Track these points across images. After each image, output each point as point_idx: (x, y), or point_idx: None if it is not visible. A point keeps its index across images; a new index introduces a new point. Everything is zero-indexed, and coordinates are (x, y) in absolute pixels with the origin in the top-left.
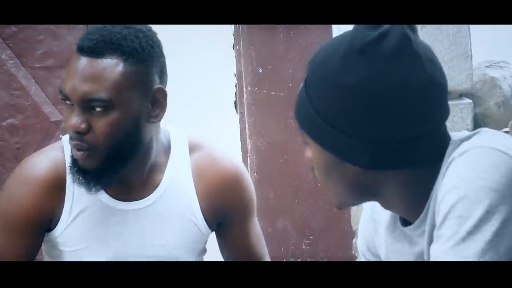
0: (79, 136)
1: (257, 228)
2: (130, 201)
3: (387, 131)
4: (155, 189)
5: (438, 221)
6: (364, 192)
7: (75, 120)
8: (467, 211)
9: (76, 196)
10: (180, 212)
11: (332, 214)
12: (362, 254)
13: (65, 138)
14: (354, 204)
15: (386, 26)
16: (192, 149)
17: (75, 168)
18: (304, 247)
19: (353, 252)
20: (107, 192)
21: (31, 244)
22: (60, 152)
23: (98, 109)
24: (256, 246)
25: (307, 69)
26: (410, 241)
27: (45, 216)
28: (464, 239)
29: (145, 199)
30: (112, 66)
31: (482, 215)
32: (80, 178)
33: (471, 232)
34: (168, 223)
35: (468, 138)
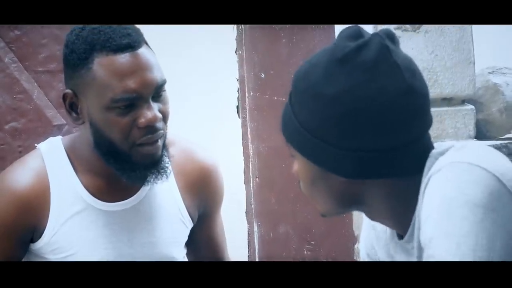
0: (157, 126)
1: (221, 218)
2: (116, 201)
3: (368, 140)
4: (140, 188)
5: (425, 240)
6: (349, 202)
7: (154, 112)
8: (452, 228)
9: (62, 204)
10: (165, 208)
11: (333, 219)
12: (363, 260)
13: (41, 146)
14: (339, 214)
15: (366, 37)
16: (167, 145)
17: (146, 166)
18: (305, 252)
19: (354, 257)
20: (93, 195)
21: (12, 256)
22: (40, 161)
23: (162, 93)
24: (220, 236)
25: (292, 82)
26: (407, 253)
27: (28, 229)
28: (454, 256)
29: (132, 198)
30: (151, 51)
31: (468, 231)
32: (153, 173)
33: (459, 249)
34: (155, 221)
35: (445, 151)
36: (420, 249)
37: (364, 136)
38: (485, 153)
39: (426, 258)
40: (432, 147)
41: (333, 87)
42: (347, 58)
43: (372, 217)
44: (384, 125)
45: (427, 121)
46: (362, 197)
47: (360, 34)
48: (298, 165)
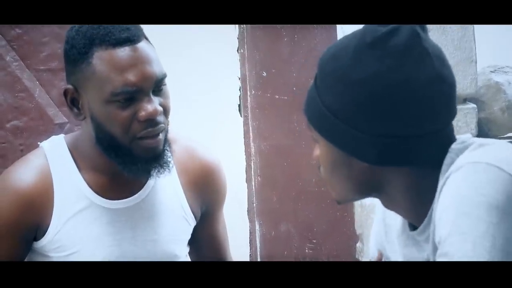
0: (157, 120)
1: (223, 216)
2: (120, 199)
3: (395, 126)
4: (143, 185)
5: (440, 238)
6: (368, 189)
7: (154, 105)
8: (468, 227)
9: (65, 202)
10: (169, 206)
11: (335, 218)
12: (373, 255)
13: (44, 144)
14: (355, 200)
15: None
16: (169, 143)
17: (148, 160)
18: (307, 250)
19: (356, 256)
20: (97, 192)
21: (15, 254)
22: (43, 159)
23: (162, 87)
24: (222, 235)
25: (318, 64)
26: (418, 246)
27: (31, 227)
28: (468, 255)
29: (135, 196)
30: (150, 46)
31: (484, 232)
32: (155, 167)
33: (473, 249)
34: (158, 218)
35: (464, 147)
36: (433, 243)
37: (389, 122)
38: (505, 153)
39: (439, 256)
40: (454, 139)
41: (361, 71)
42: (377, 42)
43: (387, 205)
44: (410, 112)
45: (453, 111)
46: (381, 184)
47: None
48: (319, 149)
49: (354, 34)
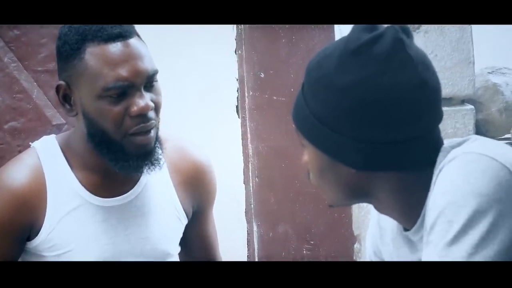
0: (148, 115)
1: (213, 216)
2: (112, 197)
3: (378, 132)
4: (135, 183)
5: (428, 226)
6: (357, 194)
7: (146, 100)
8: (455, 215)
9: (58, 200)
10: (160, 204)
11: (333, 219)
12: (370, 259)
13: (36, 144)
14: (348, 205)
15: (380, 29)
16: (161, 141)
17: (139, 156)
18: (304, 252)
19: (354, 257)
20: (89, 191)
21: (8, 255)
22: (36, 158)
23: (154, 83)
24: (212, 235)
25: (305, 71)
26: (411, 247)
27: (24, 227)
28: (451, 243)
29: (127, 194)
30: (142, 43)
31: (469, 220)
32: (146, 164)
33: (458, 236)
34: (150, 216)
35: (458, 145)
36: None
37: (374, 127)
38: (498, 145)
39: (425, 243)
40: (442, 143)
41: (345, 78)
42: (360, 49)
43: (380, 209)
44: (395, 118)
45: (438, 116)
46: (370, 189)
47: (375, 26)
48: (307, 155)
49: (339, 41)
